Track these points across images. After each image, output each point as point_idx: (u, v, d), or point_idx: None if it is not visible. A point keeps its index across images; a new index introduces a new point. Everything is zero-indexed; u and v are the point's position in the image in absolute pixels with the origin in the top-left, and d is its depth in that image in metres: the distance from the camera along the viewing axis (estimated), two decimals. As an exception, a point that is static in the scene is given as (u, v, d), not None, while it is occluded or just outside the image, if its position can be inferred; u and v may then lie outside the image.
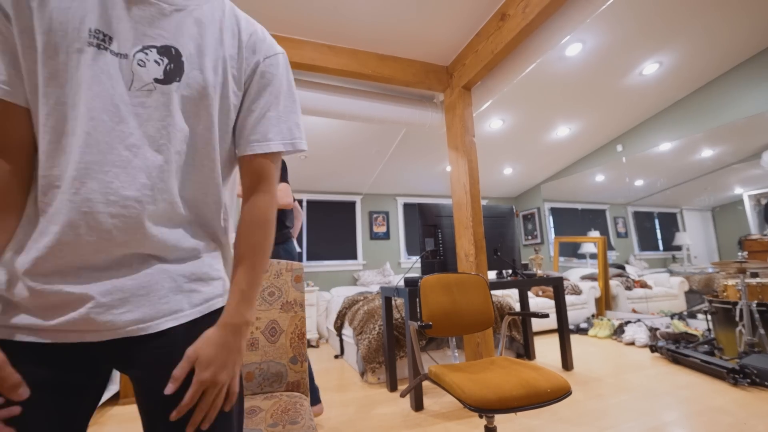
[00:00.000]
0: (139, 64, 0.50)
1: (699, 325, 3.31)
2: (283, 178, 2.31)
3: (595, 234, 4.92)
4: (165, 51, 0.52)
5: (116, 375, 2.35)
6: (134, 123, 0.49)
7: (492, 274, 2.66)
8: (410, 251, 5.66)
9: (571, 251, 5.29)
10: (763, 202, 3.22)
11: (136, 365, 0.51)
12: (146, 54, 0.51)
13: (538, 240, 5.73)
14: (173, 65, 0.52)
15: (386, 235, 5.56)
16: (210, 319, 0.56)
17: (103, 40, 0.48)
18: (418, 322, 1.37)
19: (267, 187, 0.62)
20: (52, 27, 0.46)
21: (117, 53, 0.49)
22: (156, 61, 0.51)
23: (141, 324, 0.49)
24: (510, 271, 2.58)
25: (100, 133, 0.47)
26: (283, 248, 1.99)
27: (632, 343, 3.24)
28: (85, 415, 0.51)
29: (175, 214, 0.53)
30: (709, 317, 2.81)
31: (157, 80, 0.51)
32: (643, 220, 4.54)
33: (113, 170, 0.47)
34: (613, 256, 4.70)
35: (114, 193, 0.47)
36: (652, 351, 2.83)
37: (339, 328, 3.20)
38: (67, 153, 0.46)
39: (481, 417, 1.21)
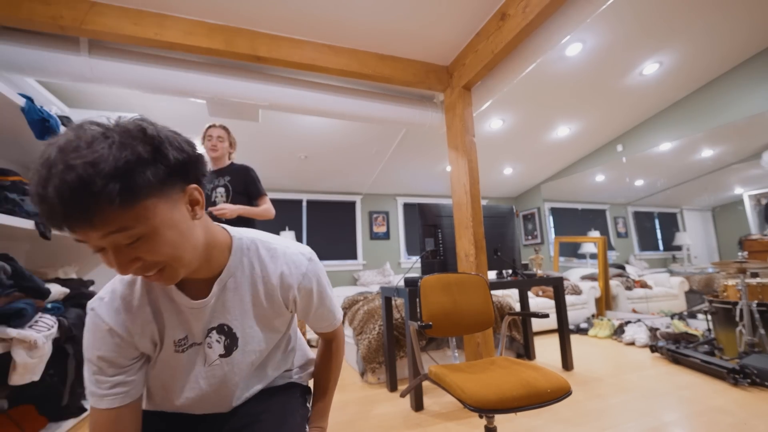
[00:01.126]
0: (207, 347, 0.71)
1: (699, 325, 3.30)
2: (263, 189, 2.38)
3: (595, 234, 4.92)
4: (220, 329, 0.71)
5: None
6: (212, 388, 0.73)
7: (492, 274, 2.66)
8: (410, 251, 5.66)
9: (571, 251, 5.29)
10: (764, 202, 3.22)
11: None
12: (210, 337, 0.70)
13: (538, 240, 5.73)
14: (229, 340, 0.71)
15: (386, 235, 5.56)
16: (278, 388, 0.86)
17: (184, 344, 0.69)
18: (418, 322, 1.37)
19: (336, 339, 0.92)
20: (161, 348, 0.69)
21: (194, 344, 0.70)
22: (217, 341, 0.71)
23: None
24: (510, 271, 2.58)
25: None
26: None
27: (632, 343, 3.24)
28: None
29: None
30: (709, 317, 2.81)
31: (221, 356, 0.71)
32: (643, 220, 4.54)
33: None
34: (613, 256, 4.70)
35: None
36: (653, 351, 2.83)
37: (339, 328, 3.19)
38: (182, 398, 0.73)
39: (481, 417, 1.20)
